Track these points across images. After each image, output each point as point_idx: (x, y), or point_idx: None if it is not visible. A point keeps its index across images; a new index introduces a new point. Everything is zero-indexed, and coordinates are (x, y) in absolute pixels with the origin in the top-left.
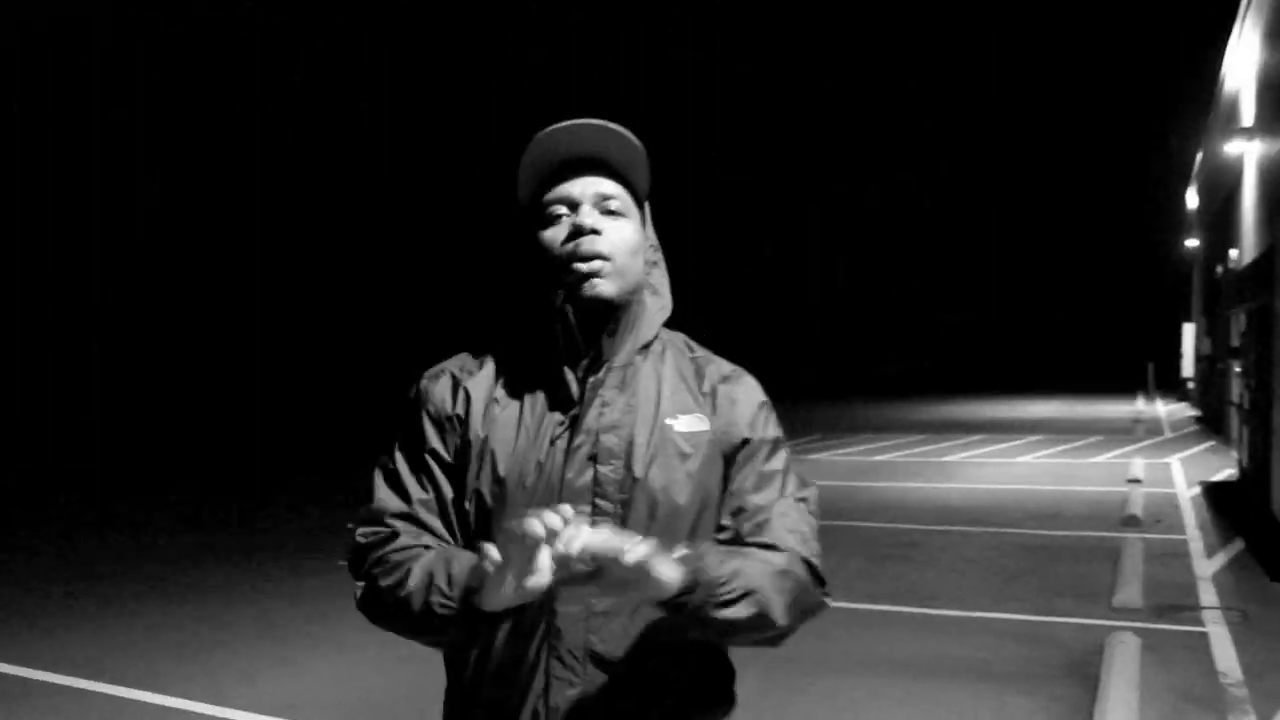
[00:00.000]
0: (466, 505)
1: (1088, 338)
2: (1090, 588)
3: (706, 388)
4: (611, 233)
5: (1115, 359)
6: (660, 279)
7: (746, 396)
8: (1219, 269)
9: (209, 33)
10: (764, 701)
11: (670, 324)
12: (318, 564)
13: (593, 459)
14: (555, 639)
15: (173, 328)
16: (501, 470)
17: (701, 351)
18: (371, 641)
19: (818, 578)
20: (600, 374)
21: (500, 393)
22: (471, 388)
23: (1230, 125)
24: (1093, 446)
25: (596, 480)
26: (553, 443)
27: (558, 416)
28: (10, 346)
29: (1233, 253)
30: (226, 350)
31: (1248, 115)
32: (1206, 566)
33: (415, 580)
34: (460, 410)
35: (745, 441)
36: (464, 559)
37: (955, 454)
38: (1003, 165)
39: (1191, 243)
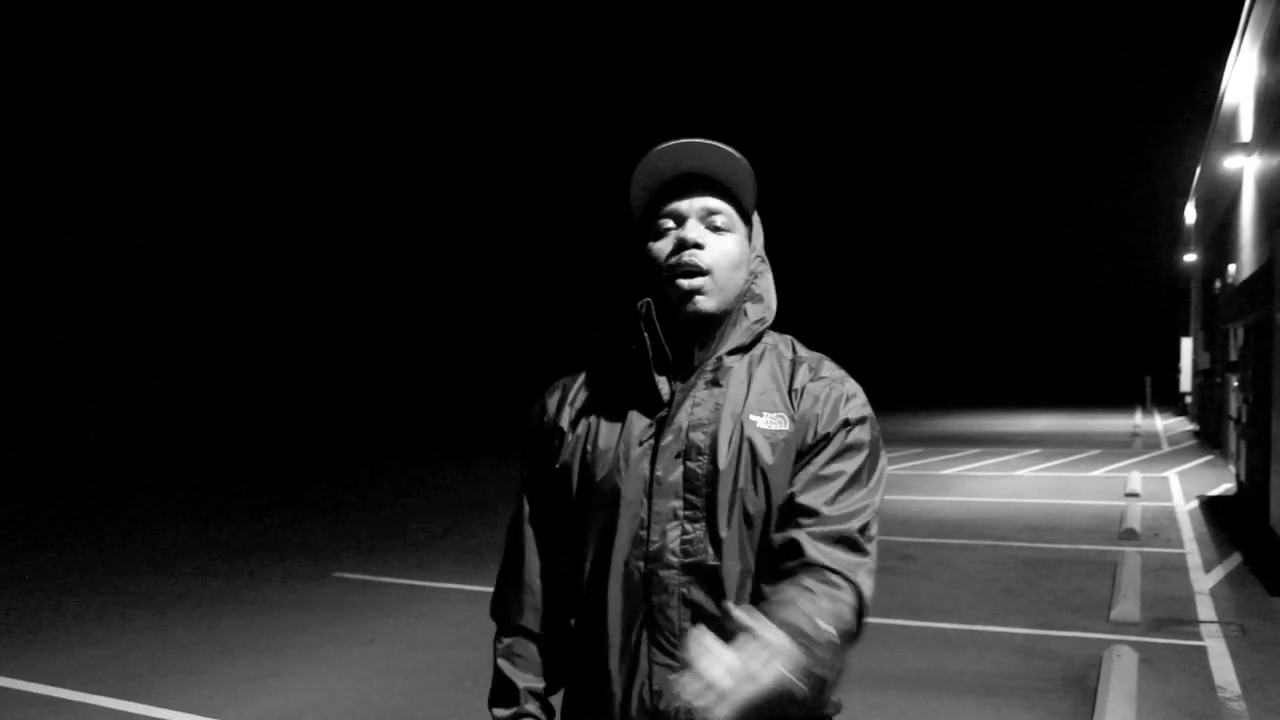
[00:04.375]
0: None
1: (1085, 353)
2: (1088, 601)
3: (795, 386)
4: (714, 247)
5: (1113, 374)
6: (764, 286)
7: (827, 395)
8: (1217, 283)
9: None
10: None
11: (780, 327)
12: (308, 573)
13: (681, 456)
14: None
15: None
16: (598, 474)
17: (806, 354)
18: (365, 655)
19: (860, 609)
20: (693, 377)
21: (601, 399)
22: (576, 396)
23: (1229, 140)
24: (1090, 460)
25: (685, 476)
26: (642, 443)
27: (648, 419)
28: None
29: (1231, 267)
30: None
31: (1246, 130)
32: (1204, 580)
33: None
34: (564, 421)
35: (816, 440)
36: None
37: (952, 467)
38: (1001, 180)
39: (1190, 257)
